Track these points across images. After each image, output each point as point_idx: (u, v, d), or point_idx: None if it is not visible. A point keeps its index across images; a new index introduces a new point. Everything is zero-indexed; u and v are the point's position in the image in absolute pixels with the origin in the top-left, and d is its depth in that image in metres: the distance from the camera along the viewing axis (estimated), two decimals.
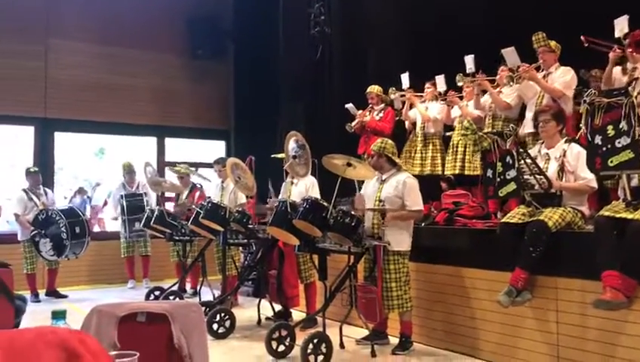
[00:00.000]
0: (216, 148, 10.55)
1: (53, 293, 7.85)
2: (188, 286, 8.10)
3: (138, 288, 8.30)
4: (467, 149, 5.85)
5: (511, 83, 5.45)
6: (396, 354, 4.80)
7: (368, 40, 8.17)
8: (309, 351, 4.35)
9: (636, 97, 3.75)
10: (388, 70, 7.32)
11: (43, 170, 8.46)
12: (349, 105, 7.09)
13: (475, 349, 4.70)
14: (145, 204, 8.26)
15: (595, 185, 4.18)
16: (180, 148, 10.45)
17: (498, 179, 4.29)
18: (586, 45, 4.82)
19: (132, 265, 8.54)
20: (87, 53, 9.31)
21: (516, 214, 4.23)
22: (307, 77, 8.98)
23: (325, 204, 4.80)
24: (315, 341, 4.41)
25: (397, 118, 6.87)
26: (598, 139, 3.60)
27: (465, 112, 6.02)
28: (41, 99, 9.05)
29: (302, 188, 5.80)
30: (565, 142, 4.33)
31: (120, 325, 1.95)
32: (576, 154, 4.18)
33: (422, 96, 6.68)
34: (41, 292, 7.76)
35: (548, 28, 5.32)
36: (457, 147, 6.05)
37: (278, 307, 5.96)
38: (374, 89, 6.92)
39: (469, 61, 5.83)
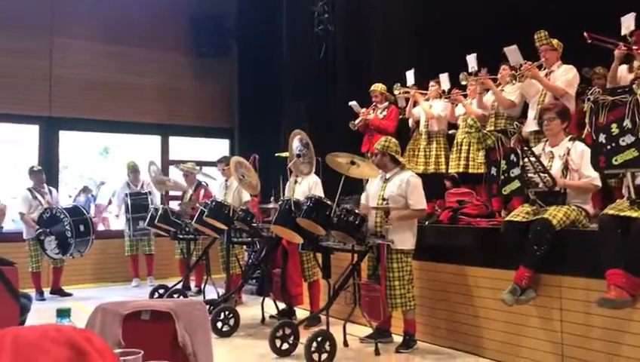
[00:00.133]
0: (220, 147, 10.56)
1: (57, 291, 7.88)
2: (192, 285, 8.12)
3: (142, 286, 8.32)
4: (471, 147, 5.85)
5: (513, 81, 5.44)
6: (400, 353, 4.81)
7: (372, 38, 8.15)
8: (312, 349, 4.36)
9: None
10: (392, 68, 7.31)
11: (48, 169, 8.49)
12: (353, 103, 7.08)
13: (479, 348, 4.70)
14: (149, 202, 8.28)
15: (599, 183, 4.17)
16: (184, 147, 10.47)
17: (502, 178, 4.28)
18: (589, 42, 4.80)
19: (136, 263, 8.56)
20: (91, 51, 9.32)
21: (520, 212, 4.22)
22: (311, 75, 8.97)
23: (329, 202, 4.80)
24: (319, 339, 4.42)
25: (401, 117, 6.87)
26: (602, 138, 3.59)
27: (469, 110, 6.02)
28: (45, 97, 9.08)
29: (305, 186, 5.80)
30: (569, 140, 4.32)
31: (124, 323, 1.96)
32: (581, 153, 4.17)
33: (426, 93, 6.67)
34: (46, 291, 7.79)
35: (550, 26, 5.31)
36: (461, 145, 6.04)
37: (282, 305, 5.97)
38: (378, 87, 6.92)
39: (472, 60, 5.82)
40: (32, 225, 7.56)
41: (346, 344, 4.86)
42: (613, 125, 3.52)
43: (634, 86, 3.69)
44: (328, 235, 4.87)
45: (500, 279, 4.41)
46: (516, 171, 4.19)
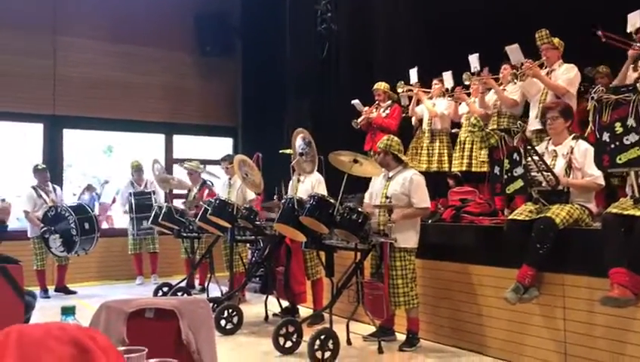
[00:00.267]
0: (223, 145, 10.57)
1: (62, 289, 7.91)
2: (196, 283, 8.14)
3: (146, 284, 8.35)
4: (474, 146, 5.85)
5: (515, 80, 5.44)
6: (403, 351, 4.81)
7: (375, 37, 8.15)
8: (316, 347, 4.37)
9: None
10: (395, 67, 7.31)
11: (52, 167, 8.52)
12: (355, 102, 7.09)
13: (481, 346, 4.70)
14: (153, 202, 8.29)
15: (602, 182, 4.17)
16: (187, 146, 10.48)
17: (505, 176, 4.28)
18: (603, 40, 4.77)
19: (140, 261, 8.59)
20: (95, 50, 9.34)
21: (523, 211, 4.22)
22: (314, 74, 8.97)
23: (332, 200, 4.81)
24: (322, 337, 4.42)
25: (404, 115, 6.87)
26: (605, 136, 3.58)
27: (472, 109, 6.01)
28: (50, 96, 9.10)
29: (308, 185, 5.81)
30: (573, 138, 4.32)
31: (128, 321, 1.97)
32: (584, 151, 4.16)
33: (429, 92, 6.67)
34: (51, 289, 7.82)
35: (551, 25, 5.30)
36: (464, 144, 6.04)
37: (285, 303, 5.98)
38: (381, 86, 6.92)
39: (474, 60, 5.82)
40: (37, 223, 7.59)
41: (349, 342, 4.87)
42: (617, 124, 3.51)
43: (638, 85, 3.68)
44: (331, 233, 4.88)
45: (503, 277, 4.41)
46: (519, 170, 4.18)
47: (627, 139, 3.47)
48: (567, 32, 5.31)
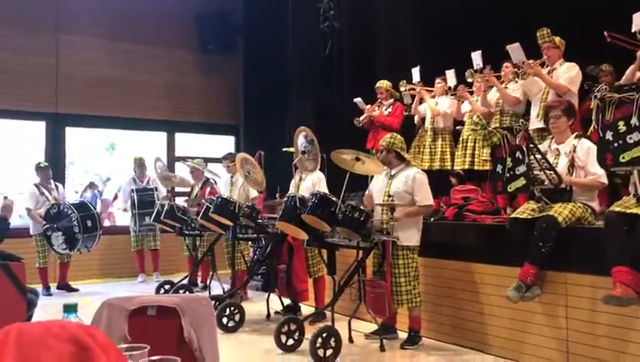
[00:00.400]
0: (225, 143, 10.57)
1: (64, 287, 7.92)
2: (199, 280, 8.14)
3: (148, 282, 8.36)
4: (477, 144, 5.84)
5: (516, 79, 5.43)
6: (405, 349, 4.81)
7: (377, 35, 8.14)
8: (317, 345, 4.37)
9: None
10: (397, 65, 7.31)
11: (54, 165, 8.52)
12: (358, 100, 7.08)
13: (483, 344, 4.70)
14: (155, 198, 8.31)
15: (605, 180, 4.16)
16: (189, 144, 10.49)
17: (507, 175, 4.28)
18: (609, 41, 4.76)
19: (142, 258, 8.60)
20: (97, 48, 9.35)
21: (526, 209, 4.22)
22: (316, 72, 8.97)
23: (334, 198, 4.80)
24: (324, 335, 4.42)
25: (406, 114, 6.86)
26: (609, 135, 3.57)
27: (475, 107, 6.01)
28: (52, 94, 9.11)
29: (309, 183, 5.80)
30: (575, 137, 4.31)
31: (130, 318, 1.97)
32: (587, 150, 4.15)
33: (432, 90, 6.66)
34: (53, 286, 7.83)
35: (552, 24, 5.29)
36: (467, 142, 6.04)
37: (287, 301, 5.99)
38: (383, 84, 6.91)
39: (476, 57, 5.81)
40: (39, 221, 7.60)
41: (351, 340, 4.87)
42: (620, 123, 3.50)
43: None
44: (333, 232, 4.88)
45: (505, 276, 4.40)
46: (522, 168, 4.18)
47: (630, 138, 3.45)
48: (569, 31, 5.30)
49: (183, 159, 8.80)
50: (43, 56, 8.97)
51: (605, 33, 4.72)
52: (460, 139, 6.19)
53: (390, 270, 4.73)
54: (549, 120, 4.39)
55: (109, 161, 10.96)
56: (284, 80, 9.55)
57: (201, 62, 10.20)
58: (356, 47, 8.48)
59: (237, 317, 5.51)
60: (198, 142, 10.61)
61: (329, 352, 4.41)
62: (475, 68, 5.84)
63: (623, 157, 3.49)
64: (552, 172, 4.11)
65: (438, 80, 6.62)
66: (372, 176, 5.26)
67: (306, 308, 6.08)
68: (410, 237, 4.77)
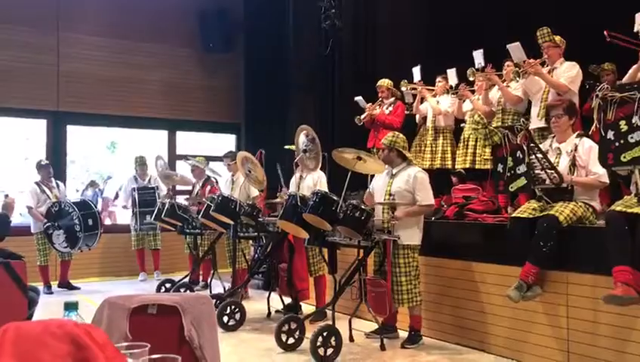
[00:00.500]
0: (226, 142, 10.58)
1: (65, 285, 7.93)
2: (200, 279, 8.14)
3: (149, 280, 8.37)
4: (478, 143, 5.84)
5: (517, 78, 5.42)
6: (405, 348, 4.81)
7: (379, 33, 8.14)
8: (318, 343, 4.37)
9: None
10: (398, 64, 7.31)
11: (55, 163, 8.53)
12: (359, 98, 7.08)
13: (484, 343, 4.70)
14: (156, 197, 8.31)
15: (606, 180, 4.15)
16: (190, 142, 10.49)
17: (508, 174, 4.27)
18: (608, 40, 4.75)
19: (143, 257, 8.61)
20: (99, 47, 9.34)
21: (527, 209, 4.21)
22: (317, 70, 8.97)
23: (335, 197, 4.80)
24: (325, 334, 4.42)
25: (407, 112, 6.86)
26: (610, 134, 3.56)
27: (476, 106, 6.00)
28: (53, 92, 9.11)
29: (310, 182, 5.80)
30: (577, 136, 4.30)
31: (131, 317, 1.97)
32: (588, 149, 4.15)
33: (433, 89, 6.66)
34: (54, 284, 7.84)
35: (553, 23, 5.28)
36: (468, 141, 6.03)
37: (287, 300, 5.99)
38: (384, 82, 6.91)
39: (478, 56, 5.81)
40: (40, 219, 7.61)
41: (351, 339, 4.87)
42: (622, 122, 3.49)
43: None
44: (334, 230, 4.88)
45: (506, 275, 4.40)
46: (522, 168, 4.17)
47: (632, 137, 3.45)
48: (569, 30, 5.29)
49: (184, 157, 8.79)
50: (44, 54, 8.97)
51: (605, 32, 4.72)
52: (461, 138, 6.19)
53: (391, 269, 4.73)
54: (551, 119, 4.39)
55: (110, 160, 10.99)
56: (286, 78, 9.54)
57: (202, 61, 10.20)
58: (357, 46, 8.47)
59: (238, 316, 5.51)
60: (199, 141, 10.61)
61: (330, 351, 4.41)
62: (477, 66, 5.84)
63: (625, 157, 3.49)
64: (553, 171, 4.10)
65: (438, 78, 6.62)
66: (372, 175, 5.25)
67: (307, 307, 6.08)
68: (411, 236, 4.77)
